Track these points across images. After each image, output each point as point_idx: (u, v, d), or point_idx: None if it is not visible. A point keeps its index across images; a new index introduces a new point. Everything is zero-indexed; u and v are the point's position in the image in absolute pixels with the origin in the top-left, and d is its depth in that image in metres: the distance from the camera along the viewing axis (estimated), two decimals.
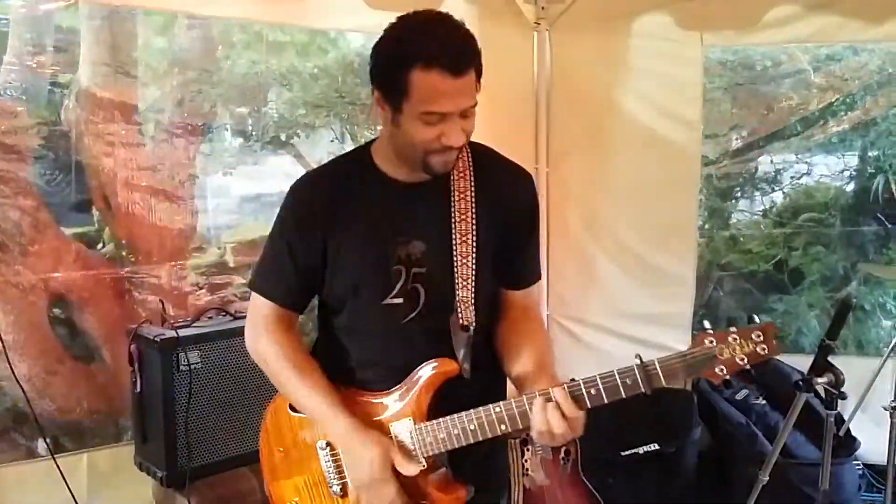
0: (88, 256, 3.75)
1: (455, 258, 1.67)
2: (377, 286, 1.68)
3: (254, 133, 4.39)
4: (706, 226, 5.11)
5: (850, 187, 5.06)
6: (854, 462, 3.58)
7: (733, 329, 1.45)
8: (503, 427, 1.57)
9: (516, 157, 4.01)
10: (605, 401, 1.50)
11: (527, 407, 1.54)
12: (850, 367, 3.68)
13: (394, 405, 1.67)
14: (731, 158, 5.05)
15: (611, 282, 3.99)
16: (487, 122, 3.87)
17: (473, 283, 1.68)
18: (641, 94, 3.85)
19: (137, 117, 3.74)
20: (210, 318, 3.00)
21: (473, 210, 1.69)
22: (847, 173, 5.07)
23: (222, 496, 2.75)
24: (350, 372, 1.76)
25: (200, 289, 3.96)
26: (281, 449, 1.80)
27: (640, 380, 1.46)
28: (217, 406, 2.82)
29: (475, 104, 1.60)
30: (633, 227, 3.94)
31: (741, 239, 5.12)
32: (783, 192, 5.18)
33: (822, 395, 2.45)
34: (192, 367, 2.74)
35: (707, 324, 1.49)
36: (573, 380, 1.54)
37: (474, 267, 1.68)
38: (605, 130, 3.91)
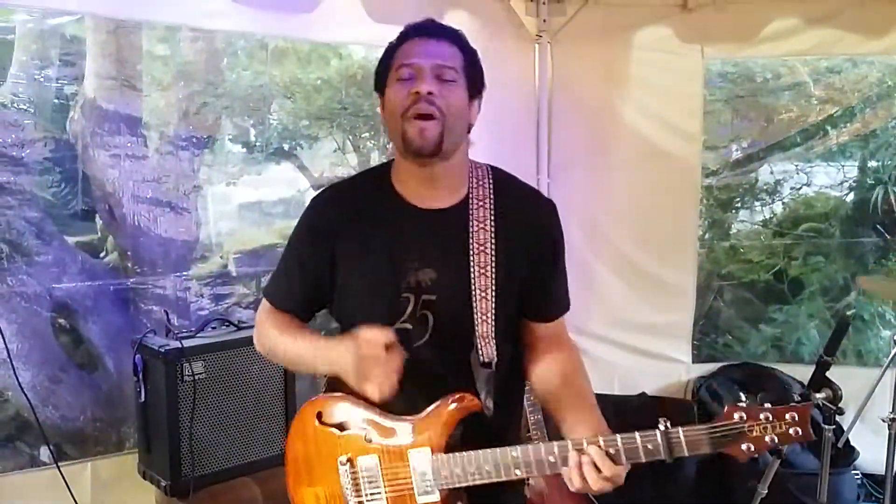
0: (93, 267, 3.77)
1: (474, 292, 1.64)
2: (388, 310, 1.66)
3: (257, 144, 4.41)
4: (706, 236, 5.13)
5: (850, 198, 5.08)
6: (853, 471, 3.60)
7: (768, 407, 1.40)
8: (517, 472, 1.54)
9: (517, 168, 4.02)
10: (624, 462, 1.47)
11: (544, 457, 1.52)
12: (850, 377, 3.69)
13: (414, 433, 1.65)
14: (732, 170, 5.07)
15: (612, 292, 4.02)
16: (489, 133, 3.94)
17: (494, 318, 1.64)
18: (642, 106, 3.88)
19: (142, 129, 3.76)
20: (214, 328, 3.01)
21: (493, 242, 1.65)
22: (847, 184, 5.09)
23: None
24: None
25: (203, 298, 3.98)
26: (305, 455, 1.78)
27: (661, 447, 1.43)
28: (220, 416, 2.82)
29: (457, 72, 1.62)
30: (634, 239, 3.97)
31: (741, 250, 5.14)
32: (783, 203, 5.21)
33: (821, 408, 2.46)
34: (196, 377, 2.74)
35: (743, 397, 1.47)
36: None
37: (494, 301, 1.64)
38: (606, 142, 3.94)
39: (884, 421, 2.84)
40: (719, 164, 5.02)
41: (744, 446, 1.40)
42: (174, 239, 3.84)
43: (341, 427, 1.71)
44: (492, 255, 1.65)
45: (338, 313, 1.77)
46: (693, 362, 4.13)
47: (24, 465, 3.36)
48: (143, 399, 2.82)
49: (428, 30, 1.65)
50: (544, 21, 3.84)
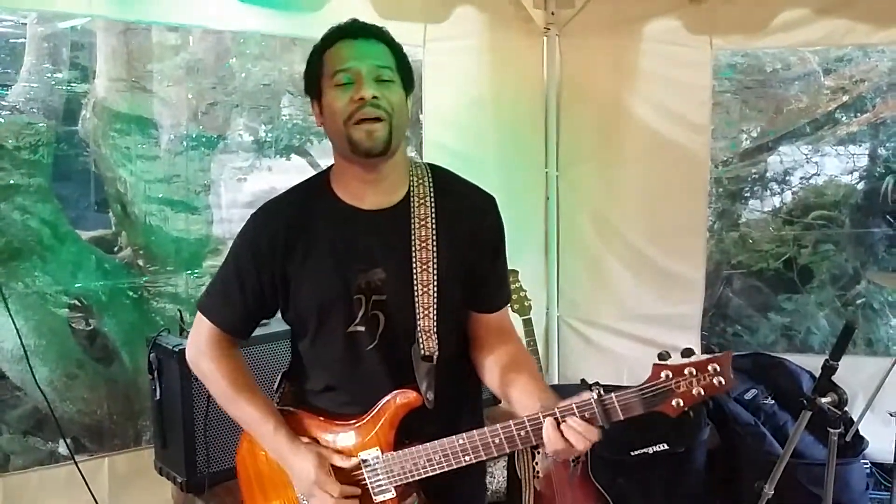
0: (107, 264, 3.81)
1: (416, 287, 1.66)
2: (340, 315, 1.68)
3: (268, 140, 4.42)
4: (716, 226, 5.12)
5: (860, 187, 5.06)
6: (861, 461, 3.62)
7: (690, 361, 1.43)
8: (467, 458, 1.57)
9: (527, 160, 4.09)
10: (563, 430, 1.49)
11: (489, 439, 1.55)
12: (860, 366, 3.73)
13: (361, 434, 1.68)
14: (741, 160, 5.05)
15: (621, 284, 4.03)
16: (498, 126, 3.96)
17: (435, 313, 1.67)
18: (651, 98, 3.87)
19: (153, 130, 3.78)
20: None
21: (434, 238, 1.67)
22: (857, 174, 5.07)
23: (240, 501, 2.80)
24: (316, 395, 1.78)
25: None
26: (258, 475, 1.82)
27: (597, 414, 1.46)
28: None
29: (393, 71, 1.62)
30: (643, 231, 3.97)
31: (750, 240, 5.13)
32: (792, 192, 5.19)
33: (827, 412, 2.47)
34: None
35: (668, 354, 1.47)
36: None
37: (435, 296, 1.66)
38: (615, 134, 3.94)
39: (892, 415, 2.86)
40: (729, 154, 5.01)
41: (673, 402, 1.43)
42: (186, 238, 3.87)
43: None
44: (433, 252, 1.67)
45: (291, 321, 1.79)
46: (702, 353, 4.12)
47: (43, 461, 3.41)
48: (158, 397, 2.85)
49: (356, 31, 1.63)
50: (552, 14, 3.83)
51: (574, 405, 1.48)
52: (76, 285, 3.61)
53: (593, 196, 4.00)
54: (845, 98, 4.69)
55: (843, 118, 4.86)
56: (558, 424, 1.49)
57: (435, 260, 1.66)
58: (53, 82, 3.50)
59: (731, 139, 5.01)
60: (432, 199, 1.70)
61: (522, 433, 1.52)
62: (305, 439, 1.73)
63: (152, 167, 3.76)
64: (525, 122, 3.94)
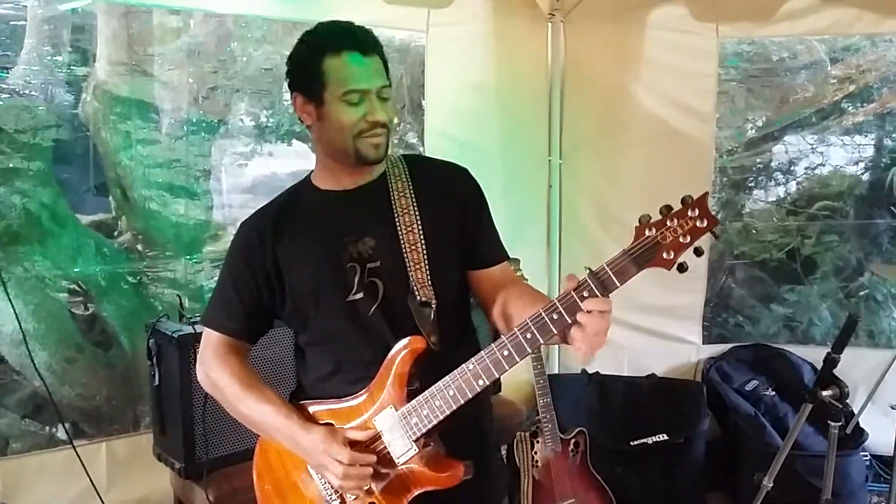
0: (107, 248, 3.80)
1: (404, 247, 1.73)
2: (337, 287, 1.73)
3: (269, 125, 4.40)
4: (720, 215, 5.10)
5: (866, 177, 5.03)
6: (861, 453, 3.62)
7: (669, 211, 1.44)
8: (480, 382, 1.57)
9: (530, 148, 4.07)
10: (568, 320, 1.48)
11: (498, 354, 1.55)
12: (861, 358, 3.72)
13: (372, 400, 1.69)
14: (746, 150, 5.02)
15: None
16: (501, 113, 3.93)
17: (427, 266, 1.72)
18: (656, 86, 3.85)
19: (154, 114, 3.76)
20: None
21: (415, 205, 1.76)
22: (862, 164, 5.04)
23: (238, 487, 2.79)
24: (325, 382, 1.79)
25: (214, 280, 4.00)
26: (275, 483, 1.85)
27: (594, 288, 1.45)
28: None
29: (389, 85, 1.72)
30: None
31: (754, 230, 5.11)
32: (797, 182, 5.16)
33: (828, 405, 2.46)
34: None
35: (647, 214, 1.47)
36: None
37: (424, 251, 1.73)
38: (619, 122, 3.92)
39: (893, 408, 2.85)
40: (734, 144, 4.98)
41: (664, 254, 1.43)
42: (185, 223, 3.86)
43: None
44: (416, 216, 1.74)
45: (290, 315, 1.82)
46: (703, 343, 4.14)
47: (41, 445, 3.41)
48: (157, 383, 2.86)
49: (359, 43, 1.67)
50: (557, 0, 3.80)
51: (570, 290, 1.47)
52: (75, 270, 3.60)
53: (596, 184, 3.99)
54: (852, 88, 4.65)
55: (850, 108, 4.83)
56: (567, 314, 1.48)
57: (419, 222, 1.74)
58: (54, 65, 3.47)
59: (736, 128, 4.98)
60: (407, 174, 1.80)
61: (528, 335, 1.51)
62: (322, 420, 1.75)
63: (152, 152, 3.75)
64: (528, 110, 3.92)
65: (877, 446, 3.67)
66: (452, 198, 1.81)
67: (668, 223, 1.43)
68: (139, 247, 3.84)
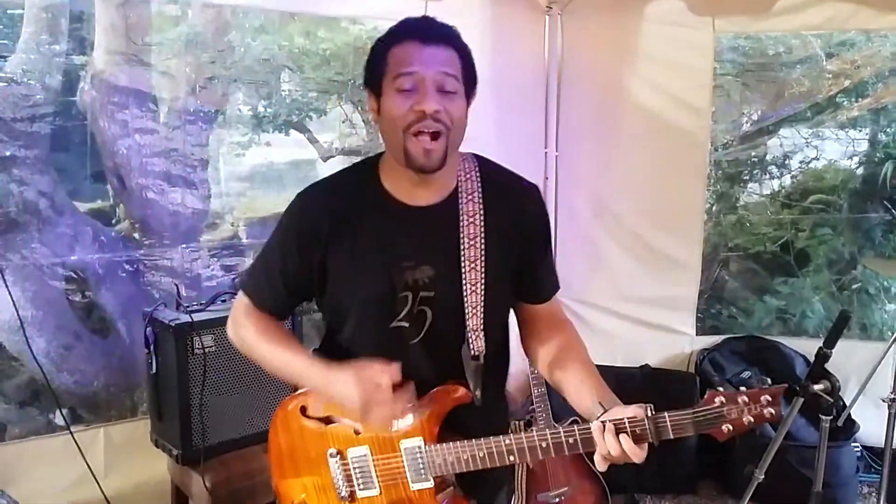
0: (105, 236, 3.82)
1: (465, 286, 1.65)
2: (384, 310, 1.66)
3: (266, 115, 4.41)
4: (714, 208, 5.13)
5: (860, 172, 5.05)
6: (853, 444, 3.64)
7: (743, 390, 1.46)
8: (511, 458, 1.58)
9: (525, 141, 4.06)
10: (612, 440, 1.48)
11: (536, 444, 1.55)
12: (853, 350, 3.74)
13: (404, 422, 1.67)
14: (741, 143, 5.04)
15: (617, 265, 4.04)
16: (498, 105, 3.94)
17: (482, 311, 1.66)
18: (652, 79, 3.85)
19: (151, 104, 3.77)
20: (224, 300, 3.04)
21: (483, 235, 1.66)
22: (856, 159, 5.06)
23: (235, 473, 2.82)
24: None
25: (212, 269, 4.02)
26: (290, 448, 1.80)
27: (649, 431, 1.46)
28: (230, 387, 2.87)
29: (458, 80, 1.59)
30: (641, 212, 3.97)
31: (748, 223, 5.13)
32: (791, 176, 5.19)
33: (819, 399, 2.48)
34: (207, 350, 2.79)
35: (718, 383, 1.51)
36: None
37: (483, 294, 1.66)
38: (615, 115, 3.92)
39: (884, 401, 2.88)
40: (729, 137, 5.00)
41: (724, 427, 1.46)
42: (182, 212, 3.87)
43: (328, 420, 1.74)
44: (481, 249, 1.65)
45: (329, 311, 1.77)
46: (697, 335, 4.16)
47: (39, 431, 3.44)
48: (154, 371, 2.88)
49: (425, 32, 1.58)
50: None
51: (626, 420, 1.47)
52: (73, 258, 3.62)
53: (592, 177, 3.99)
54: (847, 83, 4.67)
55: (845, 103, 4.85)
56: (610, 433, 1.48)
57: (483, 258, 1.66)
58: (52, 54, 3.47)
59: (732, 122, 5.00)
60: (480, 195, 1.68)
61: (571, 440, 1.52)
62: (343, 421, 1.72)
63: (150, 141, 3.76)
64: (525, 102, 3.91)
65: (868, 437, 3.70)
66: (521, 225, 1.73)
67: (738, 400, 1.45)
68: (136, 235, 3.86)
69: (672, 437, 1.47)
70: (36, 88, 3.44)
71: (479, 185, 1.70)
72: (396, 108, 1.55)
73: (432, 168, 1.58)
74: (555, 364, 1.72)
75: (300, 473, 1.79)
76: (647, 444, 1.48)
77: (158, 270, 3.79)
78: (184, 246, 3.87)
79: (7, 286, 2.99)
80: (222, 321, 2.81)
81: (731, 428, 1.45)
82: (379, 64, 1.59)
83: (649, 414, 1.47)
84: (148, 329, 2.86)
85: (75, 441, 2.97)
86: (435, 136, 1.56)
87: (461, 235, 1.66)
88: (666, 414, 1.47)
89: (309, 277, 1.70)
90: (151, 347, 2.87)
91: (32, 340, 3.20)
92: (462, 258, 1.65)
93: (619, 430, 1.47)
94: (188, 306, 2.92)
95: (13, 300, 3.00)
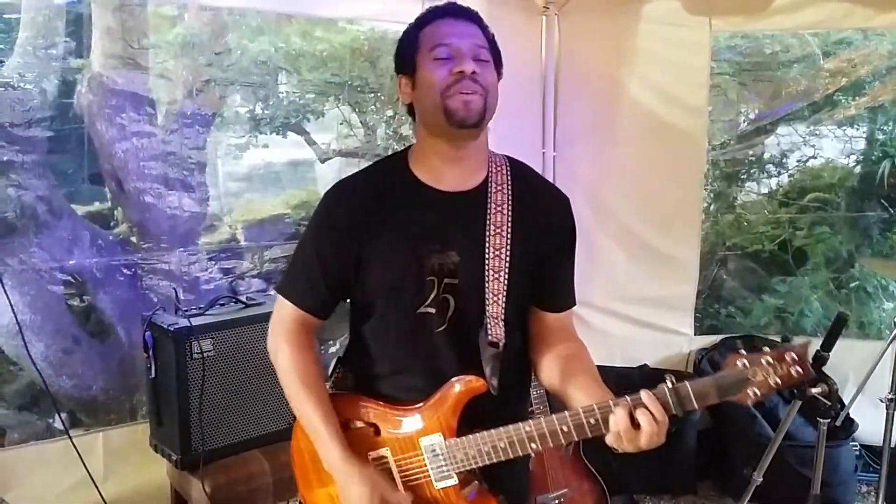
0: (103, 240, 3.81)
1: (487, 273, 1.66)
2: (412, 295, 1.67)
3: (264, 117, 4.40)
4: (711, 208, 5.13)
5: (857, 170, 5.06)
6: (851, 443, 3.65)
7: (767, 350, 1.40)
8: (533, 445, 1.55)
9: (523, 141, 4.06)
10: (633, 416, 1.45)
11: (557, 428, 1.52)
12: (851, 349, 3.74)
13: (423, 420, 1.66)
14: (739, 142, 5.04)
15: (615, 265, 4.04)
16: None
17: (504, 299, 1.66)
18: (649, 79, 3.85)
19: (148, 107, 3.76)
20: (222, 304, 3.04)
21: (509, 224, 1.67)
22: (854, 157, 5.07)
23: (234, 478, 2.83)
24: (378, 380, 1.75)
25: (210, 272, 4.02)
26: (312, 459, 1.77)
27: (671, 402, 1.43)
28: (229, 391, 2.87)
29: (488, 50, 1.66)
30: (639, 212, 3.98)
31: (745, 222, 5.14)
32: (789, 175, 5.19)
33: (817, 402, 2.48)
34: (206, 355, 2.78)
35: (740, 344, 1.45)
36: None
37: (506, 282, 1.66)
38: (612, 115, 3.92)
39: (882, 401, 2.88)
40: (726, 136, 5.00)
41: (750, 391, 1.40)
42: (180, 215, 3.86)
43: (346, 425, 1.72)
44: (507, 238, 1.66)
45: (359, 301, 1.76)
46: (695, 334, 4.16)
47: (38, 435, 3.43)
48: (153, 375, 2.88)
49: (454, 11, 1.67)
50: None
51: (647, 391, 1.45)
52: (71, 261, 3.61)
53: (589, 177, 3.99)
54: (844, 81, 4.66)
55: (842, 101, 4.85)
56: (632, 409, 1.45)
57: (508, 247, 1.66)
58: (48, 58, 3.47)
59: (729, 121, 5.00)
60: (510, 187, 1.70)
61: (592, 420, 1.49)
62: (360, 423, 1.71)
63: (148, 144, 3.75)
64: (522, 102, 3.91)
65: (867, 436, 3.70)
66: (548, 228, 1.73)
67: (763, 361, 1.39)
68: (134, 238, 3.85)
69: (696, 406, 1.43)
70: (33, 92, 3.43)
71: (510, 178, 1.72)
72: (435, 74, 1.62)
73: (472, 121, 1.61)
74: (561, 373, 1.69)
75: (325, 483, 1.76)
76: (665, 429, 1.45)
77: (156, 274, 3.79)
78: (182, 249, 3.87)
79: (5, 291, 2.98)
80: (221, 326, 2.86)
81: (757, 392, 1.40)
82: (411, 44, 1.67)
83: (670, 385, 1.44)
84: (147, 333, 2.86)
85: (74, 446, 2.96)
86: (473, 93, 1.60)
87: (488, 223, 1.67)
88: (686, 382, 1.44)
89: (346, 271, 1.71)
90: (150, 352, 2.86)
91: (31, 345, 3.20)
92: (486, 245, 1.66)
93: (637, 404, 1.44)
94: (187, 310, 2.92)
95: (11, 305, 3.00)
